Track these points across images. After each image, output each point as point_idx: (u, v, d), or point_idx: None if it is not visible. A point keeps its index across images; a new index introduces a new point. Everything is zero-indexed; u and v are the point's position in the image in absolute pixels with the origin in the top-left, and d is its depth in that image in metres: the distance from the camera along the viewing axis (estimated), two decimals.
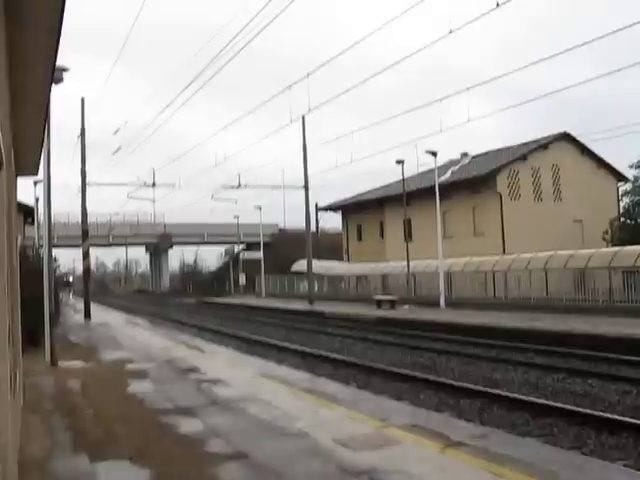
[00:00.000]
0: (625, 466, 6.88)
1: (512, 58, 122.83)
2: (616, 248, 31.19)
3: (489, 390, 11.69)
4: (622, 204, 43.17)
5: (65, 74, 15.70)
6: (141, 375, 11.24)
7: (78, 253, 45.97)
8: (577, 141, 42.90)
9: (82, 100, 28.92)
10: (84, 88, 30.55)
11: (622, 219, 41.00)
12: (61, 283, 59.21)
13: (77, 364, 13.00)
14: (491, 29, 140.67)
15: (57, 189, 58.15)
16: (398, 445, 6.15)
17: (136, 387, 9.99)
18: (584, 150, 43.42)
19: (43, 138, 12.69)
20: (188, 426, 7.20)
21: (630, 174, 41.91)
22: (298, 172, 40.85)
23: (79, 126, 29.10)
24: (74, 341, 18.02)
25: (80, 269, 42.14)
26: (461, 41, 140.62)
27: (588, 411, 9.72)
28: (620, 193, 44.14)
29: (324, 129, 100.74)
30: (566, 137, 43.40)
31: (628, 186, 42.57)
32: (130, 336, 19.46)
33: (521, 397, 10.93)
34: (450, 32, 17.00)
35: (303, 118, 36.68)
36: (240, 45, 19.17)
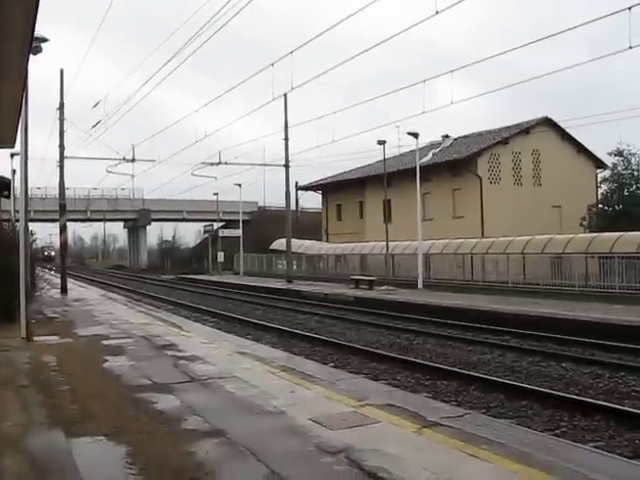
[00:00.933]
0: (596, 447, 6.98)
1: (499, 41, 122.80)
2: (593, 234, 31.51)
3: (465, 372, 11.81)
4: (600, 191, 43.57)
5: (44, 45, 15.47)
6: (118, 351, 11.18)
7: (55, 227, 45.61)
8: (558, 126, 43.15)
9: (61, 72, 28.47)
10: (63, 60, 30.14)
11: (600, 206, 41.36)
12: (40, 258, 59.17)
13: (53, 339, 12.90)
14: (479, 10, 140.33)
15: (35, 162, 57.50)
16: (375, 425, 6.18)
17: (113, 363, 9.93)
18: (565, 136, 43.72)
19: (21, 110, 12.53)
20: (165, 403, 7.17)
21: (609, 161, 42.28)
22: (279, 150, 40.69)
23: (58, 99, 28.69)
24: (50, 316, 17.90)
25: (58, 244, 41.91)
26: (448, 22, 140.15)
27: (562, 394, 9.86)
28: (599, 180, 44.50)
29: (306, 108, 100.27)
30: (547, 122, 43.62)
31: (607, 173, 42.97)
32: (107, 312, 19.35)
33: (497, 379, 11.05)
34: (437, 13, 16.90)
35: (285, 96, 36.42)
36: (224, 20, 18.95)
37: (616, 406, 9.05)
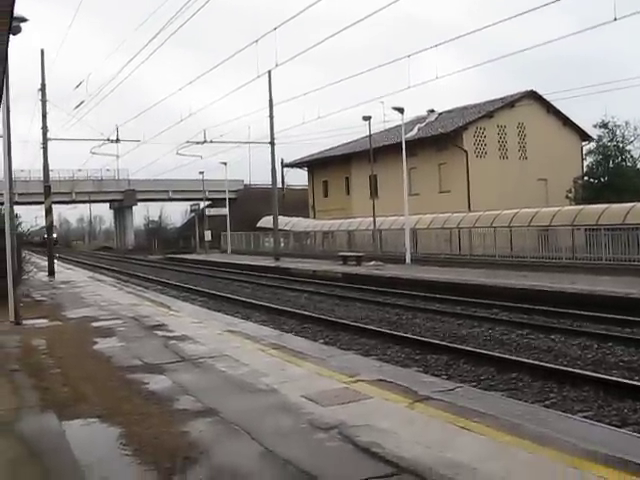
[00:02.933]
0: (585, 417, 7.06)
1: (487, 12, 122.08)
2: (579, 207, 31.66)
3: (455, 345, 11.89)
4: (586, 163, 43.70)
5: (24, 25, 15.23)
6: (107, 333, 11.16)
7: (40, 210, 45.27)
8: (543, 100, 43.11)
9: (42, 52, 28.08)
10: (45, 39, 29.74)
11: (585, 178, 41.50)
12: (40, 242, 59.58)
13: (42, 322, 12.86)
14: None
15: (18, 145, 56.98)
16: (367, 400, 6.21)
17: (103, 345, 9.92)
18: (550, 108, 43.71)
19: (2, 91, 12.38)
20: (156, 383, 7.18)
21: (594, 133, 42.37)
22: (264, 128, 40.50)
23: (39, 79, 28.34)
24: (38, 299, 17.83)
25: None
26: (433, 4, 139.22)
27: (551, 365, 9.95)
28: (584, 152, 44.62)
29: (292, 84, 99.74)
30: (532, 95, 43.59)
31: (592, 145, 43.09)
32: (95, 293, 19.29)
33: (486, 352, 11.13)
34: None
35: (269, 73, 36.21)
36: None
37: (604, 376, 9.15)
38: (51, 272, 27.51)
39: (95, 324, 12.38)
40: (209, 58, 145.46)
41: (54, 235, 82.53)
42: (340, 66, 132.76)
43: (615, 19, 17.41)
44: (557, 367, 9.84)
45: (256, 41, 24.86)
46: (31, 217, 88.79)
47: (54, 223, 36.17)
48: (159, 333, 11.04)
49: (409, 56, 24.34)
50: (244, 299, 20.90)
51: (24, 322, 12.71)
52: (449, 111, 48.22)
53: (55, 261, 29.91)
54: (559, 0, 18.31)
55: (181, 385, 7.07)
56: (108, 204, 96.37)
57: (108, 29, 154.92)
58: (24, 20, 15.12)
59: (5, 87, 12.51)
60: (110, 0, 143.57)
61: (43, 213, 30.52)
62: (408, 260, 31.13)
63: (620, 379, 9.02)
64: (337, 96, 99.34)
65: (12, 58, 11.12)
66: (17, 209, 20.56)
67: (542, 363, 10.16)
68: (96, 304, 16.23)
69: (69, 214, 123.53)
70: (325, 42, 24.11)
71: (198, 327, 11.79)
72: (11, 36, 9.21)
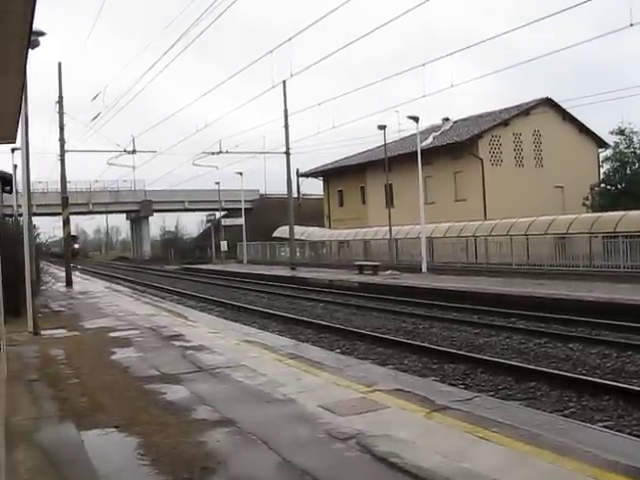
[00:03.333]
0: (605, 427, 6.99)
1: (503, 19, 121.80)
2: (596, 214, 31.42)
3: (472, 355, 11.83)
4: (603, 170, 43.36)
5: (42, 39, 15.41)
6: (125, 343, 11.22)
7: (58, 221, 45.55)
8: (559, 107, 42.90)
9: (59, 65, 28.38)
10: (63, 51, 30.08)
11: (602, 185, 41.21)
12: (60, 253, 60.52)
13: (60, 333, 12.95)
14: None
15: (35, 157, 57.43)
16: (384, 410, 6.19)
17: (120, 355, 9.97)
18: (566, 116, 43.49)
19: (21, 104, 12.49)
20: (174, 393, 7.20)
21: (611, 140, 42.09)
22: (280, 138, 40.63)
23: (57, 91, 28.59)
24: (56, 310, 17.95)
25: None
26: (445, 7, 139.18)
27: (570, 374, 9.87)
28: (601, 159, 44.33)
29: (307, 94, 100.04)
30: (548, 102, 43.43)
31: (609, 152, 42.74)
32: (112, 304, 19.39)
33: (504, 361, 11.06)
34: None
35: (284, 83, 36.38)
36: (224, 5, 18.81)
37: (624, 385, 9.06)
38: (69, 282, 27.70)
39: (113, 334, 12.44)
40: (225, 69, 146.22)
41: (76, 245, 79.45)
42: (355, 75, 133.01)
43: (631, 24, 17.34)
44: (576, 376, 9.76)
45: (271, 51, 25.00)
46: (49, 228, 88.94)
47: (76, 234, 36.52)
48: (176, 343, 11.08)
49: (424, 64, 24.39)
50: (261, 309, 20.91)
51: (42, 332, 12.80)
52: (464, 119, 48.13)
53: (73, 272, 30.07)
54: (575, 7, 18.27)
55: (198, 395, 7.08)
56: (125, 215, 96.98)
57: (126, 40, 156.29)
58: (42, 34, 15.30)
59: (24, 100, 12.63)
60: (127, 12, 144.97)
61: (61, 224, 30.71)
62: (424, 269, 31.03)
63: None
64: (352, 105, 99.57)
65: (30, 71, 11.23)
66: (35, 220, 20.71)
67: (561, 372, 10.07)
68: (113, 314, 16.31)
69: (86, 225, 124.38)
70: (340, 51, 24.09)
71: (215, 337, 11.81)
72: (30, 50, 9.30)
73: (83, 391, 7.54)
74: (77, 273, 37.10)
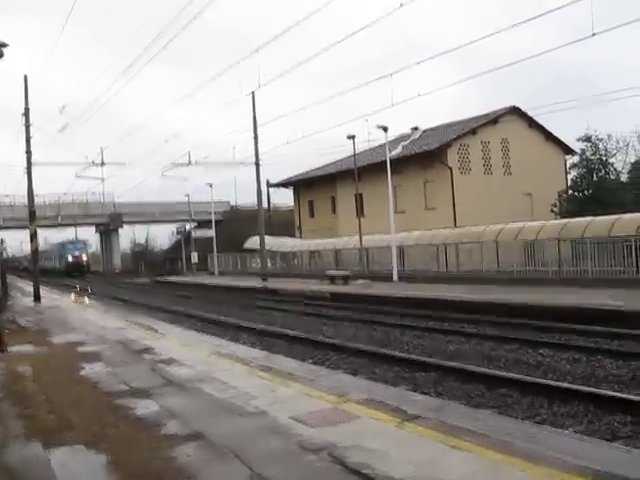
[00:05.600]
0: (576, 432, 7.05)
1: (472, 26, 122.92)
2: (564, 220, 31.75)
3: (444, 363, 11.84)
4: (570, 177, 43.97)
5: (6, 50, 15.26)
6: (94, 358, 11.06)
7: (26, 234, 44.95)
8: (526, 115, 43.40)
9: (25, 78, 28.01)
10: (29, 63, 29.74)
11: (570, 192, 41.73)
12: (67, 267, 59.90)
13: (27, 349, 12.73)
14: (447, 3, 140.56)
15: (2, 169, 56.67)
16: (356, 420, 6.16)
17: (89, 370, 9.83)
18: (532, 124, 44.00)
19: None
20: (144, 408, 7.11)
21: (577, 147, 42.69)
22: (250, 148, 40.55)
23: (23, 103, 28.22)
24: (24, 325, 17.67)
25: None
26: (415, 13, 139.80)
27: (540, 380, 9.93)
28: (568, 166, 44.95)
29: (276, 103, 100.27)
30: (515, 111, 43.92)
31: (575, 159, 43.36)
32: (82, 318, 19.15)
33: (475, 369, 11.09)
34: (401, 6, 16.93)
35: (253, 94, 36.40)
36: (193, 13, 18.71)
37: (594, 390, 9.13)
38: (37, 297, 27.30)
39: (81, 349, 12.27)
40: (194, 78, 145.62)
41: (84, 257, 75.39)
42: (326, 83, 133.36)
43: (593, 34, 17.57)
44: (547, 382, 9.81)
45: (238, 62, 24.94)
46: (17, 242, 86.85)
47: (39, 247, 36.01)
48: (146, 357, 10.96)
49: (391, 74, 24.47)
50: (232, 321, 20.79)
51: (9, 349, 12.58)
52: (433, 128, 48.46)
53: (40, 286, 29.65)
54: (540, 16, 18.51)
55: (169, 409, 7.00)
56: (94, 227, 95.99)
57: (94, 51, 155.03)
58: (5, 45, 15.14)
59: None
60: (94, 22, 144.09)
61: (28, 238, 30.29)
62: (395, 278, 31.13)
63: (610, 392, 9.00)
64: (322, 114, 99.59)
65: None
66: (2, 234, 20.45)
67: (532, 378, 10.13)
68: (82, 329, 16.11)
69: (55, 238, 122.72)
70: (312, 60, 24.13)
71: (186, 350, 11.71)
72: None
73: (51, 408, 7.41)
74: (45, 287, 36.48)
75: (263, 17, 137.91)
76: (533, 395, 9.19)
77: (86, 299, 20.92)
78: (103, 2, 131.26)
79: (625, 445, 6.52)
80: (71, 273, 70.64)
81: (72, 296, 24.47)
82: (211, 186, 54.75)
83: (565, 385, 9.58)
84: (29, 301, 26.58)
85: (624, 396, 8.72)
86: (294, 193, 58.87)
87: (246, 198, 71.44)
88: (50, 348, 12.86)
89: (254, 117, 39.08)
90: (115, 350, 12.00)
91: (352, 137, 37.10)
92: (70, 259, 75.26)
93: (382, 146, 35.70)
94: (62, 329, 16.22)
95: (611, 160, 42.23)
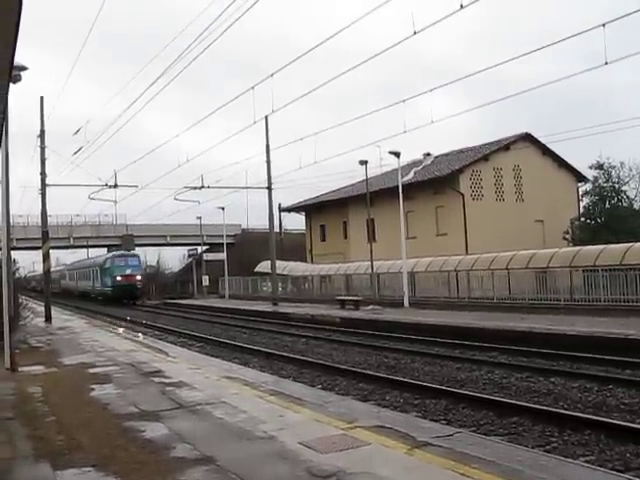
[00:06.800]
0: (587, 462, 6.98)
1: (483, 54, 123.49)
2: (577, 248, 31.68)
3: (454, 390, 11.78)
4: (582, 204, 43.91)
5: (24, 73, 15.46)
6: (104, 379, 11.08)
7: (38, 255, 45.11)
8: (538, 142, 43.46)
9: (41, 99, 28.36)
10: (45, 85, 30.07)
11: (582, 219, 41.66)
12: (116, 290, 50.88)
13: (38, 369, 12.76)
14: (461, 26, 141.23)
15: (17, 190, 57.13)
16: (365, 447, 6.14)
17: (99, 392, 9.83)
18: (545, 150, 44.03)
19: (1, 139, 12.48)
20: (153, 431, 7.10)
21: (590, 175, 42.66)
22: (262, 172, 40.80)
23: (38, 125, 28.53)
24: (35, 345, 17.71)
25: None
26: (431, 38, 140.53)
27: (551, 409, 9.85)
28: (580, 193, 44.90)
29: (289, 127, 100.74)
30: (528, 137, 43.97)
31: (588, 186, 43.33)
32: (92, 339, 19.19)
33: (486, 396, 11.02)
34: (415, 33, 17.06)
35: (266, 119, 36.59)
36: (209, 40, 18.88)
37: (605, 419, 9.05)
38: (48, 318, 27.38)
39: (92, 370, 12.29)
40: (208, 102, 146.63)
41: (138, 277, 54.45)
42: (339, 107, 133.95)
43: (606, 63, 17.66)
44: (558, 410, 9.74)
45: (252, 87, 25.14)
46: (29, 262, 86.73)
47: (51, 268, 36.29)
48: (156, 380, 10.96)
49: (404, 101, 24.60)
50: (242, 344, 20.78)
51: (20, 369, 12.60)
52: (445, 154, 48.56)
53: (51, 306, 29.73)
54: (556, 43, 18.65)
55: (178, 433, 6.99)
56: (106, 249, 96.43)
57: (108, 73, 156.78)
58: (24, 69, 15.35)
59: (5, 134, 12.62)
60: (110, 46, 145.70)
61: (41, 258, 30.44)
62: (406, 303, 31.05)
63: (621, 422, 8.91)
64: (335, 139, 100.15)
65: (12, 105, 11.24)
66: (15, 254, 20.57)
67: (542, 407, 10.05)
68: (93, 350, 16.13)
69: (67, 259, 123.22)
70: (325, 84, 24.20)
71: (195, 373, 11.70)
72: (11, 84, 9.32)
73: (60, 429, 7.42)
74: (56, 308, 36.60)
75: (279, 42, 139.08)
76: (544, 423, 9.11)
77: (141, 337, 20.88)
78: (120, 27, 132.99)
79: (637, 477, 6.44)
80: (120, 299, 53.37)
81: (121, 330, 24.33)
82: (223, 209, 54.96)
83: (576, 414, 9.49)
84: (40, 321, 26.65)
85: (637, 426, 8.64)
86: (306, 217, 59.00)
87: (258, 220, 71.62)
88: (60, 369, 12.89)
89: (267, 142, 39.33)
90: (125, 372, 12.01)
91: (364, 163, 37.21)
92: (119, 279, 55.26)
93: (394, 171, 35.79)
94: (72, 350, 16.25)
95: (624, 188, 42.16)
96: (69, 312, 40.07)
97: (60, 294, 68.87)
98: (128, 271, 56.17)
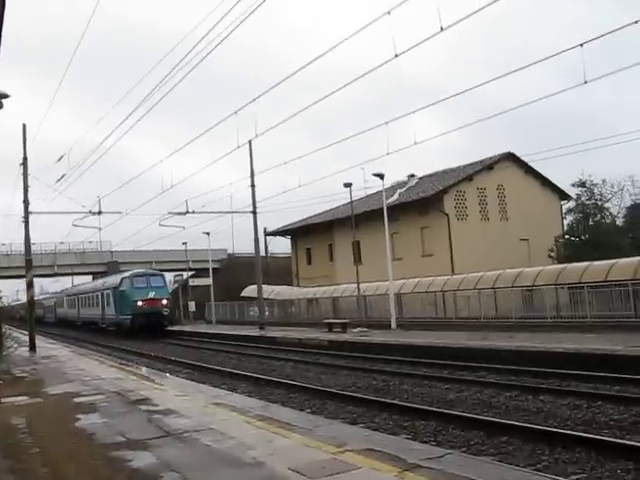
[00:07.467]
0: None
1: (465, 73, 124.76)
2: (562, 265, 31.86)
3: (443, 410, 11.72)
4: (566, 222, 44.28)
5: (5, 101, 15.42)
6: (90, 409, 10.92)
7: (22, 283, 44.78)
8: (521, 161, 43.85)
9: (23, 127, 28.21)
10: (27, 113, 29.93)
11: (566, 236, 41.95)
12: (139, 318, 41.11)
13: (22, 400, 12.57)
14: (443, 46, 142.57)
15: None
16: (355, 471, 6.06)
17: (85, 421, 9.69)
18: (528, 169, 44.39)
19: None
20: (140, 460, 6.98)
21: (573, 192, 43.04)
22: (247, 197, 40.73)
23: (21, 152, 28.35)
24: (19, 375, 17.49)
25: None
26: (414, 59, 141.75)
27: (541, 427, 9.81)
28: (564, 211, 45.26)
29: (274, 150, 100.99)
30: (510, 157, 44.34)
31: (571, 204, 43.75)
32: (77, 368, 18.97)
33: (475, 416, 10.98)
34: (396, 56, 17.15)
35: (250, 143, 36.65)
36: (191, 65, 18.91)
37: (595, 436, 9.03)
38: (32, 347, 27.07)
39: (77, 400, 12.12)
40: (192, 127, 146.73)
41: (164, 301, 41.53)
42: (322, 129, 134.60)
43: (585, 82, 17.83)
44: (547, 429, 9.71)
45: (236, 112, 25.19)
46: (12, 290, 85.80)
47: (34, 297, 36.01)
48: (143, 407, 10.82)
49: (387, 123, 24.69)
50: (230, 370, 20.63)
51: (3, 400, 12.42)
52: (429, 175, 48.87)
53: (36, 335, 29.42)
54: (538, 62, 18.84)
55: (165, 461, 6.88)
56: (91, 276, 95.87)
57: (90, 102, 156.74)
58: (6, 96, 15.32)
59: None
60: (92, 72, 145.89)
61: (25, 287, 30.20)
62: (394, 325, 31.00)
63: (612, 439, 8.89)
64: (319, 162, 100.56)
65: None
66: None
67: (532, 425, 10.01)
68: (78, 379, 15.93)
69: (51, 287, 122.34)
70: (309, 107, 24.27)
71: (183, 400, 11.58)
72: None
73: (44, 461, 7.28)
74: (41, 337, 36.21)
75: (262, 67, 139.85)
76: (534, 442, 9.06)
77: (127, 365, 20.44)
78: (101, 54, 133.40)
79: None
80: (141, 330, 41.87)
81: (106, 358, 23.86)
82: (208, 235, 54.86)
83: (566, 431, 9.46)
84: (24, 350, 26.34)
85: (627, 442, 8.61)
86: (291, 241, 59.03)
87: (244, 245, 71.65)
88: (45, 399, 12.69)
89: (251, 166, 39.37)
90: (111, 401, 11.85)
91: (349, 185, 37.32)
92: (140, 304, 43.13)
93: (379, 193, 35.90)
94: (57, 379, 16.03)
95: (606, 205, 42.63)
96: (54, 340, 39.65)
97: (56, 324, 67.79)
98: (152, 294, 44.09)
